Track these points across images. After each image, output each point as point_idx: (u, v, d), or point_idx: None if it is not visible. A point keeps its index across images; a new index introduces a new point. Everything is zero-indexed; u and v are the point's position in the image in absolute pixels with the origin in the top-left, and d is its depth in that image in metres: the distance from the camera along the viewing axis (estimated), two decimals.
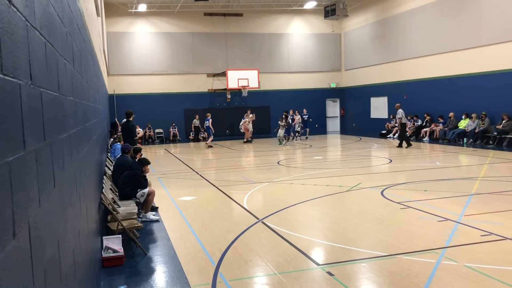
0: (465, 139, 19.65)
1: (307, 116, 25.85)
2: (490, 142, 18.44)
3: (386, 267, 5.37)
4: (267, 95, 28.66)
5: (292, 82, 29.56)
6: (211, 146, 22.17)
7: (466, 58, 20.06)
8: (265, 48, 29.01)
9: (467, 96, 20.06)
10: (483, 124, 19.02)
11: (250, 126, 23.99)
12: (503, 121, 18.00)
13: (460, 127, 20.18)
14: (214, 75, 27.89)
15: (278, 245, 6.37)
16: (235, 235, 6.86)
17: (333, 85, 30.44)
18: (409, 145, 18.81)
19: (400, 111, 18.77)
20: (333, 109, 30.94)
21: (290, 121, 23.97)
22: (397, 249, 5.96)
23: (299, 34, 29.70)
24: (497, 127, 18.20)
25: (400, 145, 18.97)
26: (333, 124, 30.97)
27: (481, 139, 18.91)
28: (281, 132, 22.30)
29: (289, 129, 22.87)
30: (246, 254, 6.00)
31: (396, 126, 23.24)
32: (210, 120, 22.42)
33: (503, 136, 17.90)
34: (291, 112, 24.99)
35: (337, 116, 31.07)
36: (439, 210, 7.90)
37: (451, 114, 20.78)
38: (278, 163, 15.76)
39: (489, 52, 18.81)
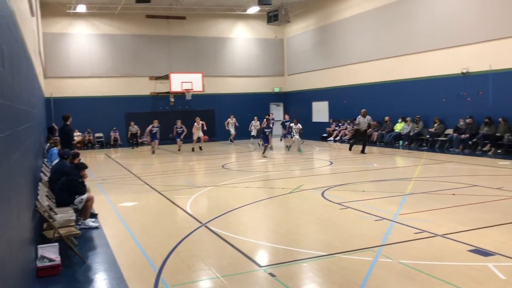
0: (400, 141, 20.57)
1: (288, 122, 23.35)
2: (424, 144, 19.42)
3: (326, 266, 5.53)
4: (211, 99, 28.59)
5: (237, 86, 29.70)
6: (153, 152, 21.20)
7: (401, 64, 21.03)
8: (209, 51, 28.96)
9: (403, 101, 21.02)
10: (417, 127, 20.00)
11: (200, 133, 21.79)
12: (435, 125, 19.03)
13: (396, 130, 21.10)
14: (157, 78, 27.46)
15: (221, 248, 6.38)
16: (178, 240, 6.79)
17: (276, 90, 30.88)
18: (350, 149, 18.96)
19: (360, 117, 18.36)
20: (277, 113, 31.33)
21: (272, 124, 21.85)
22: (336, 248, 6.15)
23: (242, 38, 29.91)
24: (430, 130, 19.21)
25: (363, 151, 18.19)
26: (277, 128, 31.34)
27: (415, 142, 19.87)
28: (296, 139, 19.49)
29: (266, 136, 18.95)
30: (189, 259, 5.96)
31: (339, 130, 23.95)
32: (159, 129, 21.39)
33: (435, 138, 18.91)
34: (271, 115, 22.89)
35: (281, 120, 31.49)
36: (376, 210, 8.22)
37: (386, 118, 21.68)
38: (222, 166, 15.75)
39: (423, 59, 19.83)
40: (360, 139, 18.75)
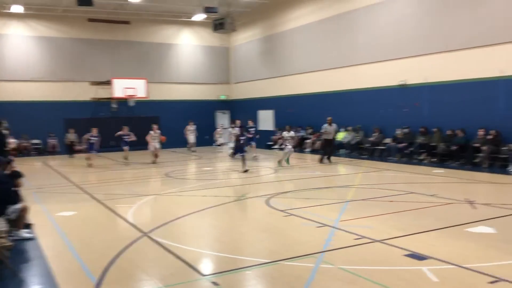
0: (342, 150, 21.16)
1: (253, 129, 20.87)
2: (364, 153, 20.09)
3: (269, 273, 5.57)
4: (156, 105, 28.13)
5: (182, 92, 29.44)
6: (90, 165, 18.47)
7: (344, 76, 21.71)
8: (154, 57, 28.53)
9: (345, 111, 21.66)
10: (358, 136, 20.68)
11: (157, 144, 19.18)
12: (375, 134, 19.77)
13: (338, 139, 21.69)
14: (99, 83, 26.67)
15: (164, 258, 6.26)
16: (118, 250, 6.59)
17: (223, 97, 30.90)
18: (321, 160, 17.73)
19: (327, 125, 17.85)
20: (223, 121, 31.33)
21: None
22: (280, 255, 6.21)
23: (188, 45, 29.74)
24: (370, 139, 19.92)
25: (329, 159, 17.72)
26: (223, 136, 31.31)
27: (356, 150, 20.53)
28: (288, 150, 17.18)
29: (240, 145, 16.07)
30: (130, 269, 5.80)
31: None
32: (98, 140, 19.26)
33: (375, 147, 19.63)
34: (238, 122, 21.03)
35: (228, 128, 31.50)
36: (318, 217, 8.39)
37: None
38: (166, 175, 15.51)
39: (364, 70, 20.57)
40: (328, 148, 17.95)
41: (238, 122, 21.10)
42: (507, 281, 5.04)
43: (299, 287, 5.03)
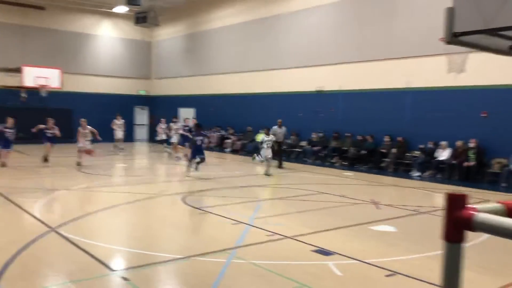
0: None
1: (188, 127, 18.61)
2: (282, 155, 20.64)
3: (181, 269, 5.59)
4: (70, 97, 26.76)
5: (99, 85, 28.30)
6: (3, 165, 14.95)
7: (265, 78, 22.17)
8: (70, 47, 27.14)
9: (264, 113, 22.12)
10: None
11: (87, 144, 15.96)
12: (292, 137, 20.41)
13: (257, 140, 22.10)
14: (7, 70, 24.83)
15: (72, 254, 6.04)
16: (22, 245, 6.24)
17: (142, 93, 30.18)
18: (280, 166, 16.80)
19: (276, 128, 17.08)
20: (141, 116, 30.60)
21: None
22: (193, 251, 6.24)
23: (108, 37, 28.68)
24: (287, 141, 20.52)
25: (280, 166, 16.78)
26: (141, 132, 30.62)
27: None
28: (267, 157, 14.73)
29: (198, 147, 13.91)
30: (34, 265, 5.53)
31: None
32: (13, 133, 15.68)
33: (292, 149, 20.28)
34: (191, 121, 19.06)
35: (145, 124, 30.84)
36: (234, 214, 8.53)
37: (249, 128, 22.62)
38: (79, 170, 14.85)
39: (284, 75, 21.17)
40: (278, 152, 16.91)
41: (191, 120, 18.70)
42: (402, 274, 5.50)
43: (210, 281, 5.11)
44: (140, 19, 25.31)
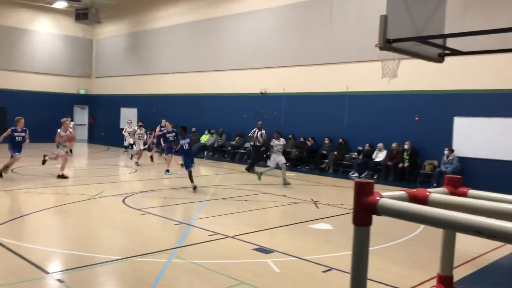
0: (205, 152, 21.57)
1: (174, 131, 15.49)
2: (226, 156, 20.74)
3: (120, 270, 5.52)
4: (3, 95, 25.44)
5: (36, 83, 27.07)
6: None
7: (209, 79, 22.15)
8: (3, 42, 25.78)
9: (209, 114, 22.12)
10: (221, 139, 21.27)
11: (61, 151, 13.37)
12: (237, 138, 20.54)
13: (201, 141, 22.04)
14: None
15: (3, 257, 5.79)
16: None
17: (82, 92, 29.21)
18: (249, 170, 15.95)
19: (256, 130, 16.38)
20: (81, 116, 29.61)
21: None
22: (132, 252, 6.17)
23: (46, 33, 27.51)
24: (232, 143, 20.65)
25: (252, 168, 15.94)
26: (81, 132, 29.58)
27: (218, 153, 21.09)
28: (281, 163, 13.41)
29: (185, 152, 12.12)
30: None
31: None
32: None
33: (236, 150, 20.40)
34: (163, 122, 16.62)
35: (86, 124, 29.87)
36: (176, 215, 8.52)
37: (194, 129, 22.50)
38: (12, 171, 14.15)
39: (229, 76, 21.26)
40: (259, 156, 16.40)
41: (166, 122, 15.80)
42: (337, 269, 5.73)
43: (149, 281, 5.09)
44: (81, 15, 24.52)
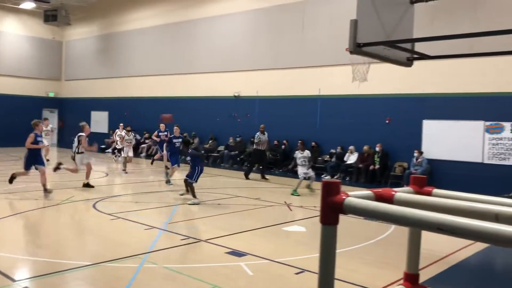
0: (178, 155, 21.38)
1: (173, 135, 14.55)
2: None
3: (90, 275, 5.42)
4: None
5: (3, 86, 26.31)
6: None
7: (182, 82, 22.02)
8: None
9: (182, 117, 21.85)
10: (194, 143, 21.14)
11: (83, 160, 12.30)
12: (210, 141, 20.47)
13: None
14: None
15: None
16: None
17: (51, 95, 28.58)
18: (247, 176, 15.31)
19: (259, 134, 15.60)
20: (51, 119, 28.80)
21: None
22: (103, 257, 6.06)
23: (13, 34, 26.83)
24: (205, 146, 20.55)
25: (263, 176, 15.33)
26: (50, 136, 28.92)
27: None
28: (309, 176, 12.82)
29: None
30: None
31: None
32: None
33: (209, 154, 20.32)
34: (162, 127, 15.68)
35: (55, 128, 29.19)
36: (147, 220, 8.40)
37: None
38: None
39: (202, 79, 21.19)
40: (259, 161, 15.70)
41: (175, 126, 14.65)
42: (310, 271, 5.76)
43: (121, 287, 5.01)
44: (50, 17, 24.01)
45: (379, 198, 1.73)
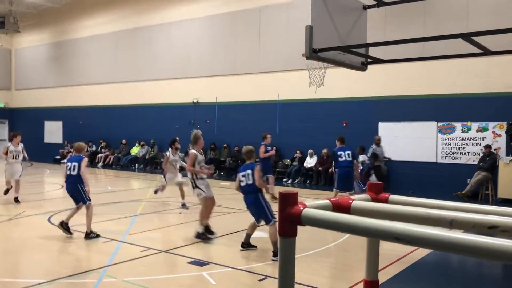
0: (136, 164, 20.99)
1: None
2: (158, 168, 20.29)
3: None
4: None
5: None
6: None
7: (139, 90, 21.64)
8: None
9: (139, 125, 21.58)
10: (153, 151, 20.81)
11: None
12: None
13: (132, 154, 21.44)
14: None
15: None
16: None
17: (1, 105, 27.42)
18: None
19: (374, 146, 14.38)
20: (1, 131, 27.77)
21: None
22: (59, 273, 5.83)
23: None
24: (163, 154, 20.27)
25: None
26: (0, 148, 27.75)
27: (150, 165, 20.60)
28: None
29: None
30: None
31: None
32: None
33: None
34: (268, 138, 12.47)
35: (5, 140, 28.01)
36: (105, 232, 8.15)
37: (123, 141, 21.87)
38: None
39: (159, 86, 20.90)
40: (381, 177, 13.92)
41: (267, 134, 12.25)
42: (273, 277, 5.75)
43: None
44: None
45: (336, 207, 1.73)
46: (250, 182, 6.80)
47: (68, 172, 7.91)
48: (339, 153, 10.83)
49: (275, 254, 6.48)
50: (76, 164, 7.83)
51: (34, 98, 26.69)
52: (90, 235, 7.57)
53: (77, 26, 24.29)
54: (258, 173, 6.77)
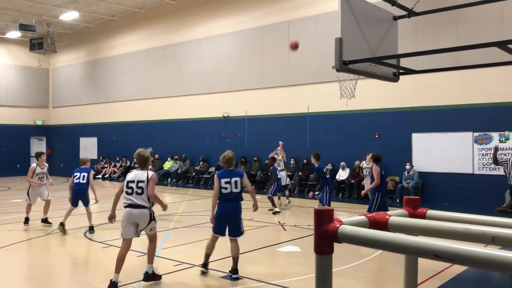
0: (169, 179, 21.26)
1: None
2: (190, 182, 20.50)
3: None
4: None
5: None
6: None
7: (170, 105, 22.02)
8: None
9: (171, 140, 21.90)
10: (184, 165, 21.04)
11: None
12: (201, 163, 20.38)
13: (165, 168, 21.74)
14: None
15: None
16: None
17: (39, 122, 28.39)
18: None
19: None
20: (39, 147, 28.66)
21: None
22: (95, 287, 5.94)
23: (0, 64, 26.76)
24: (196, 168, 20.46)
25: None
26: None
27: (182, 179, 20.82)
28: None
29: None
30: None
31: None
32: None
33: (200, 176, 20.21)
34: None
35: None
36: (139, 246, 8.24)
37: (156, 156, 22.19)
38: None
39: (190, 101, 21.20)
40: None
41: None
42: None
43: None
44: (36, 45, 24.00)
45: (373, 223, 1.70)
46: (237, 190, 6.69)
47: (77, 180, 9.88)
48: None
49: (235, 271, 6.33)
50: (85, 174, 9.90)
51: (70, 115, 27.53)
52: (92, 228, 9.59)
53: (109, 45, 25.01)
54: (247, 180, 6.90)
